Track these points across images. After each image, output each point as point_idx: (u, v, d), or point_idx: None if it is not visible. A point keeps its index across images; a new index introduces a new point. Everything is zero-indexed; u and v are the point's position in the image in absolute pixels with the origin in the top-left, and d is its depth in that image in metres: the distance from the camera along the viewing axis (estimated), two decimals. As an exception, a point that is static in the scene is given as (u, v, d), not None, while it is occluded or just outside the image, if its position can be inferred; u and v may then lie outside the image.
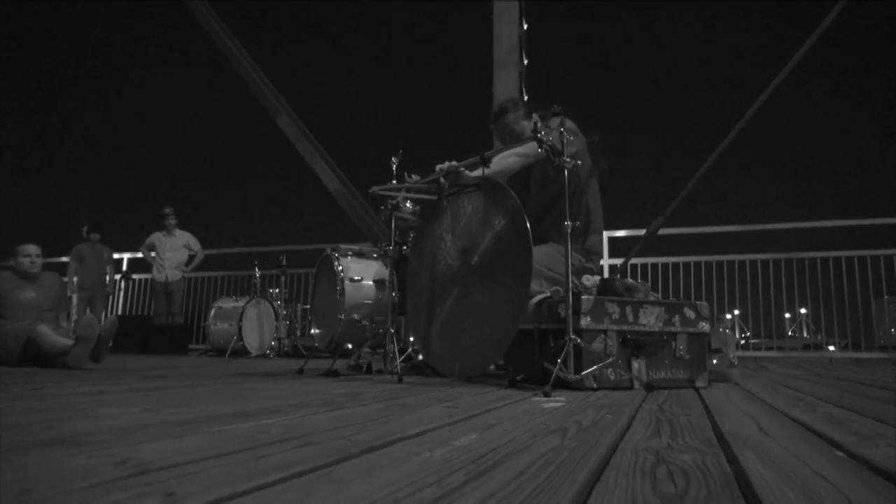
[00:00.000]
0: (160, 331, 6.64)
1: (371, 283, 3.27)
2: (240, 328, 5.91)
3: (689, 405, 1.69)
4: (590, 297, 2.25)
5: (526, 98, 6.16)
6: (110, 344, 3.45)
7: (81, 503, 0.58)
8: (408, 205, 2.88)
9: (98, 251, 6.81)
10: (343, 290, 3.15)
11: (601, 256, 3.19)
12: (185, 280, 7.32)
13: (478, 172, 2.65)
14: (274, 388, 2.02)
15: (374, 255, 3.43)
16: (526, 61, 6.34)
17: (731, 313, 6.82)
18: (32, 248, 3.92)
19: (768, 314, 6.58)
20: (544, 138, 2.24)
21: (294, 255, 7.04)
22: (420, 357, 2.88)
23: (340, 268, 3.21)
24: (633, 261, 6.48)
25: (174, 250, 7.14)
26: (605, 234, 6.33)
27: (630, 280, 2.52)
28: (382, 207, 2.85)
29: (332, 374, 2.82)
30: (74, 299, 6.47)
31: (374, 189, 2.83)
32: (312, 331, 3.45)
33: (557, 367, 2.03)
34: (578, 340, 2.13)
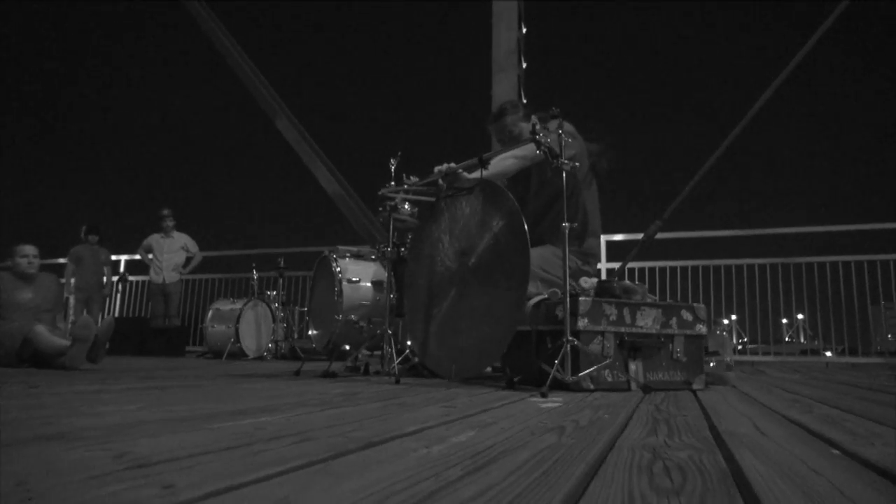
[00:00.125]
0: (157, 333, 6.63)
1: (369, 284, 3.27)
2: (237, 330, 5.91)
3: (685, 406, 1.69)
4: (587, 298, 2.26)
5: (525, 101, 6.17)
6: (107, 345, 3.45)
7: (79, 494, 0.58)
8: (406, 206, 2.88)
9: (96, 253, 6.80)
10: (341, 291, 3.15)
11: (598, 260, 3.20)
12: (182, 282, 7.31)
13: (476, 174, 2.65)
14: (271, 389, 2.02)
15: (372, 257, 3.43)
16: (525, 65, 6.36)
17: (729, 318, 6.82)
18: (30, 249, 3.91)
19: (765, 319, 6.59)
20: (542, 140, 2.25)
21: (292, 258, 7.03)
22: (417, 359, 2.88)
23: (338, 269, 3.21)
24: (631, 265, 6.48)
25: (172, 252, 7.13)
26: (603, 238, 6.34)
27: (627, 282, 2.53)
28: (381, 209, 2.85)
29: (329, 375, 2.81)
30: (72, 301, 6.46)
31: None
32: (310, 332, 3.45)
33: (555, 368, 2.03)
34: (576, 342, 2.13)
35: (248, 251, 8.37)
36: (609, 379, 2.23)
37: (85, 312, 6.58)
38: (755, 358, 6.77)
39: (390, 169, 2.85)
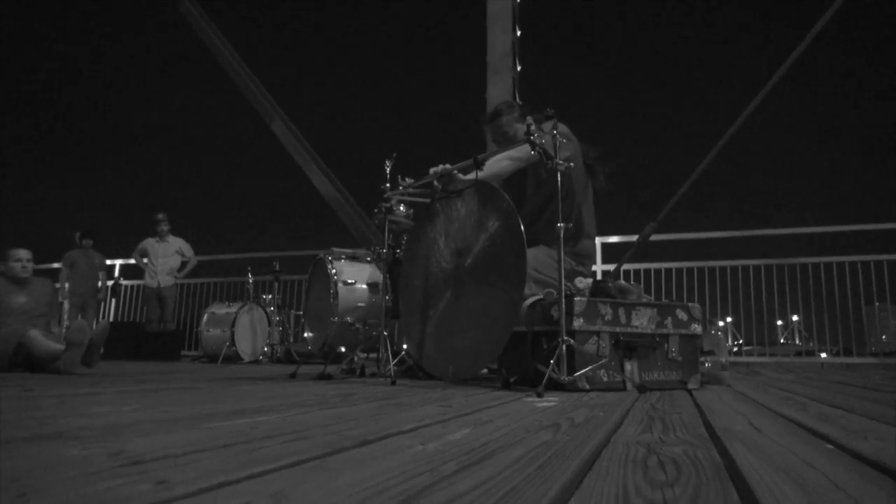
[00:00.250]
0: (152, 337, 6.60)
1: (364, 286, 3.27)
2: (232, 334, 5.89)
3: (681, 404, 1.70)
4: (582, 298, 2.26)
5: (520, 102, 6.18)
6: (102, 349, 3.43)
7: (75, 490, 0.58)
8: (401, 208, 2.88)
9: (90, 257, 6.78)
10: (336, 293, 3.15)
11: (593, 261, 3.20)
12: (177, 286, 7.28)
13: (471, 175, 2.66)
14: (267, 390, 2.02)
15: (368, 259, 3.43)
16: (519, 67, 6.37)
17: (724, 320, 6.83)
18: (23, 253, 3.90)
19: (760, 321, 6.60)
20: (537, 141, 2.25)
21: (287, 262, 7.01)
22: (413, 360, 2.88)
23: (334, 271, 3.21)
24: (626, 266, 6.49)
25: (167, 256, 7.10)
26: (598, 240, 6.34)
27: (623, 282, 2.53)
28: (376, 210, 2.85)
29: (325, 377, 2.81)
30: (66, 305, 6.43)
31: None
32: (306, 334, 3.45)
33: (550, 368, 2.03)
34: (571, 342, 2.13)
35: (244, 255, 8.35)
36: (605, 379, 2.24)
37: (80, 317, 6.55)
38: (750, 359, 6.79)
39: (385, 171, 2.85)
